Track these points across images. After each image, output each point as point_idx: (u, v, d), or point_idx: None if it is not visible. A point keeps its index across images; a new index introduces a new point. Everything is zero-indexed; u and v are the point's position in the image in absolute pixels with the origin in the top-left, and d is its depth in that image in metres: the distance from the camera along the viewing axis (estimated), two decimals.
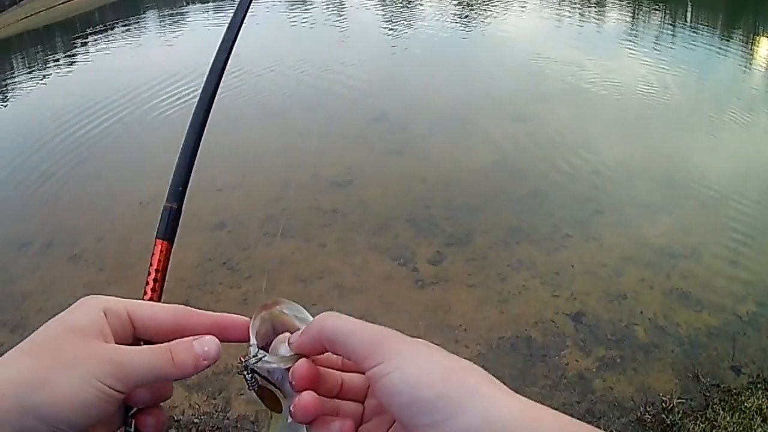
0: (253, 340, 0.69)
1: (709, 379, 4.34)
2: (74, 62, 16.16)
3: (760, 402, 3.93)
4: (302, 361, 0.66)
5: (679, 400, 4.16)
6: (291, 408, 0.64)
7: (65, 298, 5.76)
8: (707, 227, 6.21)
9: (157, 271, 0.74)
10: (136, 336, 0.68)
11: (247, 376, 0.69)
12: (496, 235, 6.24)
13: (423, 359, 0.58)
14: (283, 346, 0.69)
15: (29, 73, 15.79)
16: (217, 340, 0.68)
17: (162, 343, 0.67)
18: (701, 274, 5.50)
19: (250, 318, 0.71)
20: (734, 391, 4.19)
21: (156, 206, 6.19)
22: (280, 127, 9.07)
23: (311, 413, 0.63)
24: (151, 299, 0.71)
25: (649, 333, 4.84)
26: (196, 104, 0.78)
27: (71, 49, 17.66)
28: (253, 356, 0.68)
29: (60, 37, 20.71)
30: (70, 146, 9.47)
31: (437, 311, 5.28)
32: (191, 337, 0.68)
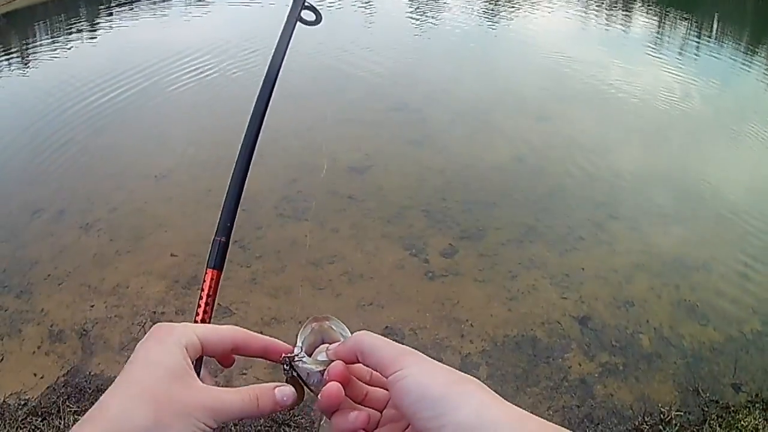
0: (299, 344, 0.83)
1: (708, 394, 4.36)
2: (98, 32, 16.09)
3: (756, 422, 3.95)
4: (338, 362, 0.78)
5: (678, 413, 4.18)
6: (319, 396, 0.76)
7: (74, 267, 5.87)
8: (720, 241, 6.20)
9: (208, 296, 0.82)
10: (204, 354, 0.79)
11: (285, 367, 0.82)
12: (509, 232, 6.25)
13: (433, 370, 0.71)
14: (322, 354, 0.82)
15: (52, 41, 15.78)
16: (293, 390, 0.81)
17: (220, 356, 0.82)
18: (710, 288, 5.51)
19: (296, 335, 0.84)
20: (732, 408, 4.21)
21: (171, 179, 6.27)
22: (299, 109, 9.07)
23: (334, 402, 0.75)
24: (203, 320, 0.81)
25: (654, 343, 4.86)
26: (243, 138, 0.81)
27: (95, 19, 17.57)
28: (297, 356, 0.82)
29: (85, 6, 20.63)
30: (89, 115, 9.46)
31: (445, 304, 5.30)
32: (274, 385, 0.80)
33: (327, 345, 0.83)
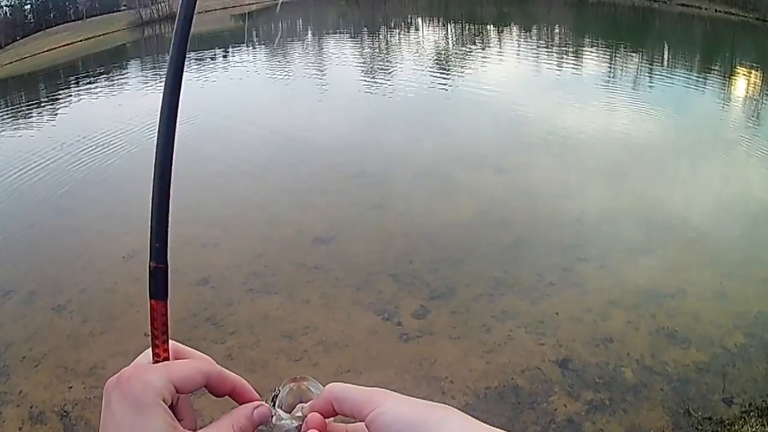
0: (278, 397, 0.80)
1: (700, 413, 4.27)
2: (57, 108, 16.48)
3: (754, 429, 3.86)
4: (313, 413, 0.75)
5: None
6: (285, 429, 0.76)
7: (49, 348, 5.80)
8: (692, 265, 6.22)
9: (156, 329, 0.72)
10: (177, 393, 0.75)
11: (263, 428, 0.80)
12: (479, 287, 6.22)
13: (409, 401, 0.68)
14: (298, 411, 0.79)
15: (13, 117, 16.02)
16: (269, 408, 0.78)
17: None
18: (687, 311, 5.49)
19: (273, 396, 0.80)
20: (727, 421, 4.13)
21: (138, 259, 6.17)
22: (260, 184, 9.15)
23: None
24: (165, 359, 0.72)
25: (637, 373, 4.79)
26: (155, 155, 0.74)
27: (55, 96, 18.01)
28: (274, 414, 0.79)
29: (44, 84, 21.08)
30: (53, 195, 9.59)
31: (423, 364, 5.21)
32: (251, 407, 0.78)
33: (302, 405, 0.79)
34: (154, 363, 0.76)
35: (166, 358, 0.75)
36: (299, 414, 0.77)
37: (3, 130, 14.93)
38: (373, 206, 8.22)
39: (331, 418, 0.76)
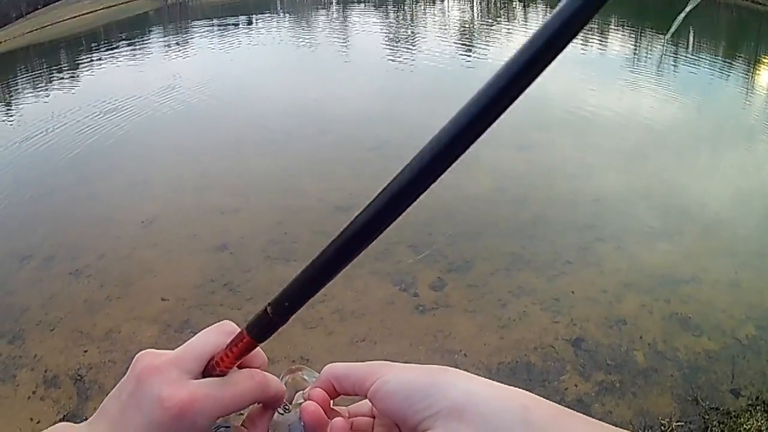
0: None
1: (708, 402, 4.32)
2: (78, 77, 16.37)
3: (759, 424, 3.92)
4: (314, 389, 0.76)
5: (678, 423, 4.15)
6: (288, 424, 0.77)
7: (65, 313, 5.88)
8: (707, 252, 6.21)
9: (232, 353, 0.73)
10: None
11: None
12: (497, 262, 6.24)
13: (411, 368, 0.70)
14: (299, 399, 0.79)
15: (33, 86, 15.98)
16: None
17: None
18: (701, 298, 5.50)
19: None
20: (733, 413, 4.17)
21: (156, 225, 6.29)
22: (280, 153, 9.13)
23: (318, 416, 0.72)
24: (222, 372, 0.74)
25: (649, 358, 4.83)
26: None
27: (76, 65, 17.90)
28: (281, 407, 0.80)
29: (65, 52, 20.97)
30: (73, 161, 9.66)
31: (437, 336, 5.26)
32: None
33: (302, 392, 0.81)
34: (210, 368, 0.73)
35: (224, 373, 0.78)
36: (300, 401, 0.78)
37: (24, 98, 14.94)
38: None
39: (331, 402, 0.76)
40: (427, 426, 0.64)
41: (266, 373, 0.78)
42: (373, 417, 0.76)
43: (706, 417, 4.19)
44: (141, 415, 0.67)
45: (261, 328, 0.73)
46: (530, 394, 0.63)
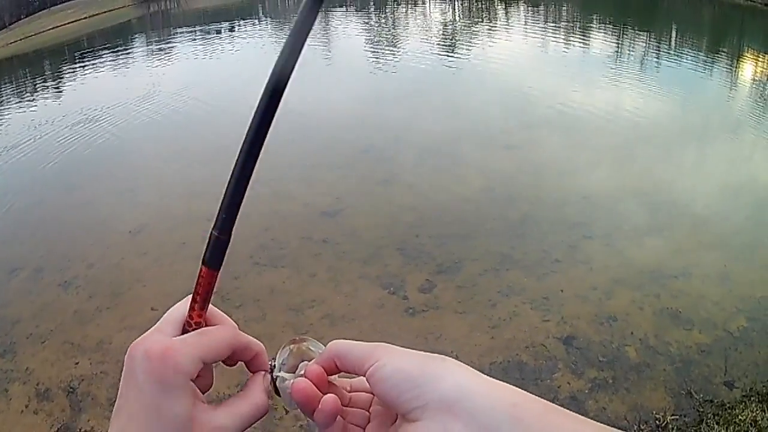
0: (277, 363, 0.83)
1: (702, 395, 4.33)
2: (62, 86, 16.41)
3: (754, 414, 3.91)
4: (313, 364, 0.78)
5: (673, 417, 4.15)
6: (288, 391, 0.77)
7: (56, 324, 5.85)
8: (697, 247, 6.24)
9: (198, 294, 0.75)
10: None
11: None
12: (486, 262, 6.25)
13: (408, 354, 0.71)
14: (302, 370, 0.80)
15: (18, 96, 15.99)
16: (284, 376, 0.82)
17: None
18: (691, 292, 5.51)
19: (275, 356, 0.85)
20: (728, 405, 4.18)
21: (145, 234, 6.23)
22: (266, 158, 9.09)
23: (304, 397, 0.74)
24: (197, 324, 0.78)
25: (641, 353, 4.83)
26: (249, 124, 0.74)
27: (60, 74, 17.95)
28: (276, 375, 0.82)
29: (49, 61, 21.03)
30: (60, 173, 9.64)
31: (428, 338, 5.26)
32: (262, 381, 0.82)
33: (306, 362, 0.81)
34: (185, 325, 0.80)
35: (199, 324, 0.80)
36: (302, 373, 0.79)
37: (8, 108, 14.95)
38: (381, 181, 8.23)
39: (335, 375, 0.78)
40: (416, 417, 0.66)
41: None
42: (373, 394, 0.76)
43: (701, 410, 4.19)
44: (135, 380, 0.71)
45: (214, 254, 0.82)
46: (521, 391, 0.64)
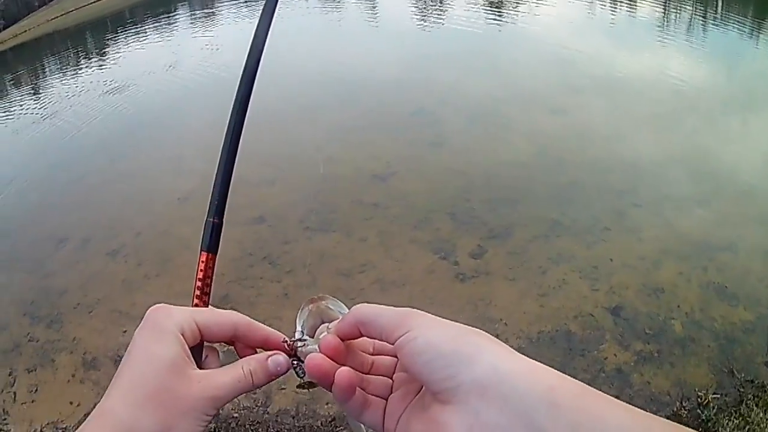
0: (299, 328, 0.84)
1: (743, 375, 4.38)
2: (106, 60, 16.38)
3: None
4: (329, 336, 0.77)
5: (714, 396, 4.22)
6: (304, 366, 0.77)
7: (103, 294, 5.99)
8: (744, 220, 6.20)
9: (200, 280, 0.83)
10: (204, 340, 0.81)
11: (288, 353, 0.83)
12: (536, 228, 6.29)
13: (441, 326, 0.71)
14: (323, 334, 0.80)
15: (61, 71, 16.01)
16: (286, 357, 0.82)
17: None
18: (738, 267, 5.52)
19: (295, 320, 0.86)
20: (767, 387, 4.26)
21: (193, 201, 6.45)
22: (314, 122, 9.13)
23: (319, 372, 0.74)
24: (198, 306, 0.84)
25: (686, 327, 4.88)
26: (229, 115, 0.83)
27: (103, 47, 17.92)
28: (298, 340, 0.82)
29: (91, 35, 20.94)
30: (106, 142, 9.77)
31: (478, 305, 5.34)
32: (266, 355, 0.82)
33: (327, 324, 0.83)
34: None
35: (202, 306, 0.84)
36: (323, 334, 0.79)
37: (52, 83, 14.98)
38: (431, 144, 8.23)
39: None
40: (447, 398, 0.65)
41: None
42: (398, 358, 0.74)
43: (742, 390, 4.25)
44: (133, 339, 0.77)
45: (211, 239, 0.87)
46: (558, 373, 0.63)
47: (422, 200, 6.86)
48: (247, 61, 0.88)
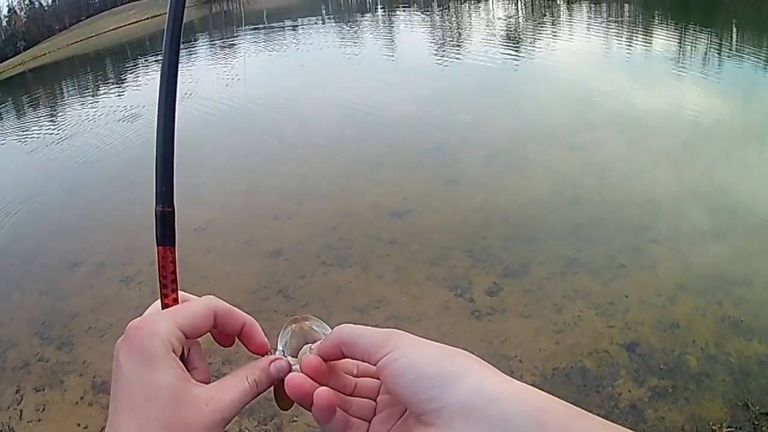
0: (280, 347, 0.80)
1: (758, 407, 4.30)
2: (125, 85, 16.66)
3: None
4: (311, 356, 0.75)
5: (729, 429, 4.15)
6: (285, 387, 0.74)
7: (116, 319, 6.04)
8: (760, 253, 6.12)
9: (164, 277, 0.78)
10: (187, 339, 0.76)
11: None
12: (552, 266, 6.26)
13: (425, 346, 0.67)
14: (306, 355, 0.78)
15: (79, 94, 16.28)
16: (288, 361, 0.78)
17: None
18: (753, 301, 5.44)
19: (276, 338, 0.82)
20: None
21: (209, 231, 6.42)
22: (333, 157, 9.21)
23: (298, 392, 0.72)
24: (173, 301, 0.81)
25: (701, 362, 4.81)
26: (157, 103, 0.79)
27: (121, 73, 18.25)
28: (277, 358, 0.79)
29: (110, 61, 21.31)
30: (123, 166, 9.98)
31: (493, 341, 5.33)
32: (268, 361, 0.78)
33: (310, 345, 0.80)
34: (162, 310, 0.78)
35: (175, 303, 0.80)
36: (306, 353, 0.77)
37: (71, 107, 15.25)
38: (448, 181, 8.28)
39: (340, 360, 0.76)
40: (430, 420, 0.62)
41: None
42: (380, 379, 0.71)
43: (756, 423, 4.18)
44: (118, 363, 0.71)
45: (165, 230, 0.84)
46: (546, 394, 0.61)
47: (439, 237, 6.88)
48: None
